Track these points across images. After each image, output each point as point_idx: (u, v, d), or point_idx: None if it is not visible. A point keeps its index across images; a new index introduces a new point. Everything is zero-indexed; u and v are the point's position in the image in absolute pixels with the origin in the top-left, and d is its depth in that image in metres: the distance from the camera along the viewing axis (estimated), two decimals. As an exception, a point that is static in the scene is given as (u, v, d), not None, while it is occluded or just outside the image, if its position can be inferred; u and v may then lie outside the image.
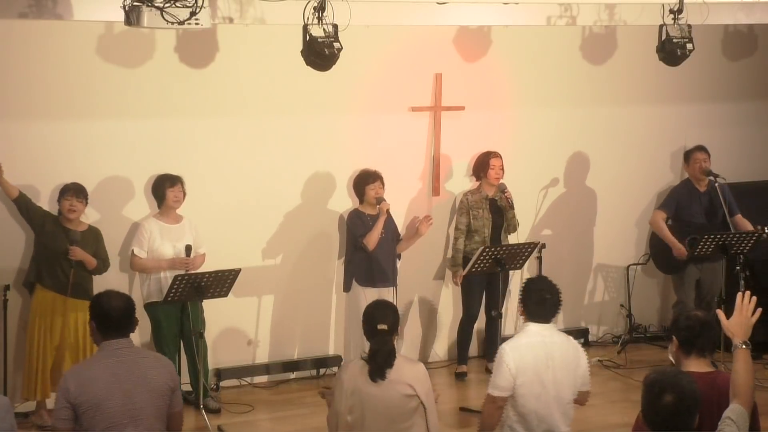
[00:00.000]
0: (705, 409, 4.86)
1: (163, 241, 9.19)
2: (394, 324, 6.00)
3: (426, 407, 5.98)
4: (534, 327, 6.21)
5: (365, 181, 9.81)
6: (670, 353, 5.43)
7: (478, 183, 10.35)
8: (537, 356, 6.14)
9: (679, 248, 10.33)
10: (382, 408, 5.88)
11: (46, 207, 9.07)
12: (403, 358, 6.04)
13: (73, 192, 8.95)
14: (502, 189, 10.17)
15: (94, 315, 5.43)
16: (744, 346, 4.86)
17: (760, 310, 4.95)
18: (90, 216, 9.27)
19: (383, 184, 9.79)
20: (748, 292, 5.02)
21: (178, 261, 9.13)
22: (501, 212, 10.23)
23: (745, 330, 4.91)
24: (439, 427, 6.14)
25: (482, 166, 10.27)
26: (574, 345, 6.34)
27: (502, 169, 10.22)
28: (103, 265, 9.08)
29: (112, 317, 5.37)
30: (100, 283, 9.21)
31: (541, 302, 6.21)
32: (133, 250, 9.19)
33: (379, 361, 5.85)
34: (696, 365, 5.28)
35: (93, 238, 9.06)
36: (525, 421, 6.17)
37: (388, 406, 5.88)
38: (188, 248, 9.19)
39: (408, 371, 5.95)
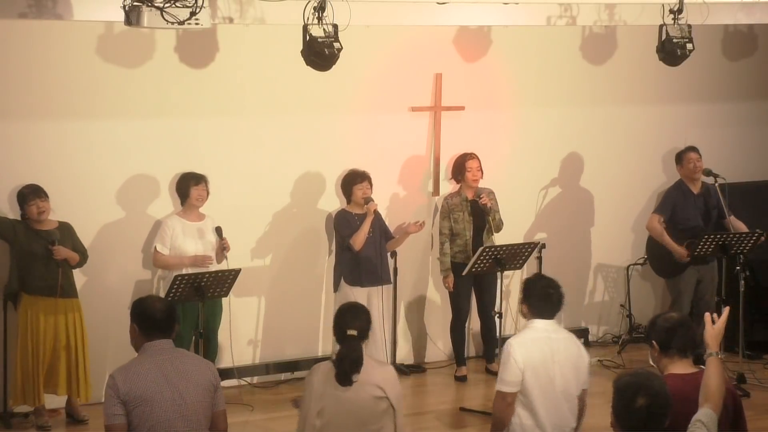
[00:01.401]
0: (690, 411, 4.87)
1: (186, 239, 9.22)
2: (364, 330, 5.89)
3: (395, 410, 5.90)
4: (539, 323, 6.24)
5: (353, 181, 9.80)
6: (651, 358, 5.42)
7: (458, 186, 10.32)
8: (543, 351, 6.17)
9: (680, 252, 10.29)
10: (352, 410, 5.80)
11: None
12: (372, 360, 5.97)
13: (35, 194, 8.82)
14: (479, 194, 10.11)
15: (136, 317, 5.41)
16: (718, 355, 5.01)
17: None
18: (89, 214, 9.28)
19: (371, 184, 9.78)
20: (728, 308, 5.23)
21: (200, 258, 9.16)
22: (482, 214, 10.19)
23: (720, 340, 5.05)
24: (405, 429, 6.07)
25: (459, 168, 10.21)
26: (576, 343, 6.38)
27: (480, 170, 10.14)
28: (83, 258, 9.00)
29: (156, 318, 5.36)
30: (118, 280, 9.28)
31: (546, 297, 6.23)
32: (155, 247, 9.23)
33: (346, 368, 5.78)
34: (679, 366, 5.28)
35: (67, 233, 8.96)
36: (534, 416, 6.19)
37: (358, 408, 5.81)
38: (219, 230, 9.25)
39: (378, 373, 5.89)
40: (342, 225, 9.80)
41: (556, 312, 6.28)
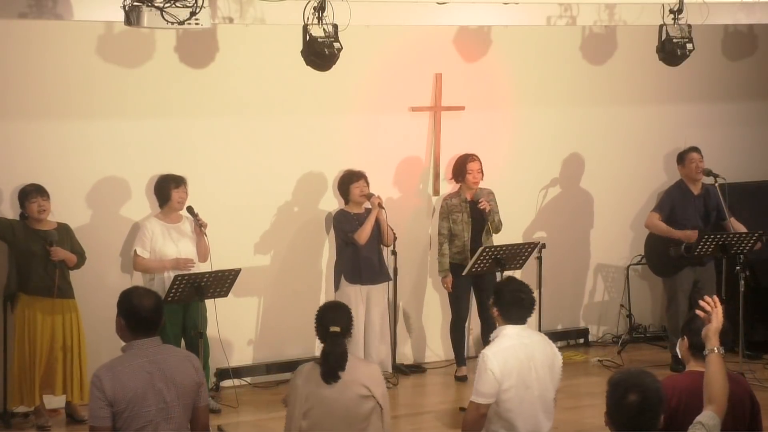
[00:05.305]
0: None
1: (166, 241, 9.16)
2: (347, 326, 5.89)
3: (383, 408, 5.90)
4: (511, 329, 6.11)
5: (349, 181, 9.80)
6: (678, 349, 5.44)
7: (458, 186, 10.29)
8: (520, 359, 6.05)
9: (687, 234, 10.20)
10: (338, 410, 5.79)
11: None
12: (356, 358, 5.99)
13: (37, 192, 8.84)
14: (478, 197, 10.04)
15: (123, 312, 5.35)
16: (719, 351, 4.92)
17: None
18: (88, 216, 9.27)
19: (368, 182, 9.78)
20: (716, 297, 5.10)
21: (182, 261, 9.12)
22: (481, 216, 10.13)
23: (718, 336, 4.97)
24: (392, 427, 6.08)
25: (460, 169, 10.18)
26: (549, 343, 6.29)
27: (481, 172, 10.10)
28: (81, 259, 8.99)
29: (143, 317, 5.33)
30: (98, 283, 9.25)
31: (518, 302, 6.11)
32: (135, 251, 9.14)
33: (332, 363, 5.77)
34: (702, 366, 5.26)
35: (66, 234, 8.96)
36: (510, 424, 6.06)
37: (344, 407, 5.80)
38: (190, 209, 9.18)
39: (363, 372, 5.89)
40: (342, 223, 9.80)
41: (527, 317, 6.16)
